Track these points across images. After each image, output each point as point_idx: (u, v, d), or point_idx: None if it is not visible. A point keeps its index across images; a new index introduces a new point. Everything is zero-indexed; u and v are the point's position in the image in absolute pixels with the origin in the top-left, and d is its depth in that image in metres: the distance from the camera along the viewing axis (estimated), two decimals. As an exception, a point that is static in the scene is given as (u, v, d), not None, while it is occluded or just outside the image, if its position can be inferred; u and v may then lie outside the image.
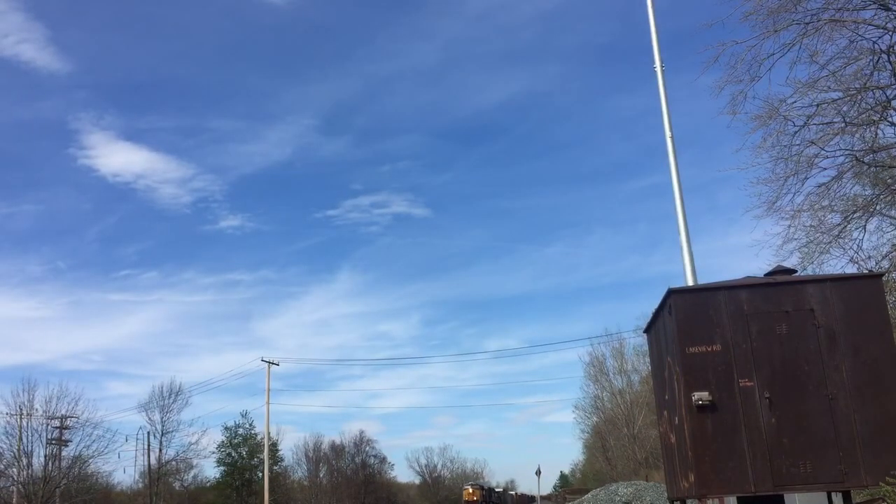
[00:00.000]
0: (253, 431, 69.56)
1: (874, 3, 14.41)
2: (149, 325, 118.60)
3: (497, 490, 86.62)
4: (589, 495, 37.17)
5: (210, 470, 73.96)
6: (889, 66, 14.60)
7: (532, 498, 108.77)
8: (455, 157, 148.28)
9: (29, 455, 43.86)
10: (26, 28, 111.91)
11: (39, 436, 44.59)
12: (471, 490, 72.19)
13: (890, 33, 14.36)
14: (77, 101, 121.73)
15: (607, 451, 70.45)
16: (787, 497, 9.38)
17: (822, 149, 15.61)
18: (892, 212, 16.86)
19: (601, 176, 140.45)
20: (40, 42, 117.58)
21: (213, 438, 73.41)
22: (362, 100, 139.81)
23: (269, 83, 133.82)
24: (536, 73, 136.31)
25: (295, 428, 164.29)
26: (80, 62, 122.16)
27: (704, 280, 13.97)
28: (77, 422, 46.17)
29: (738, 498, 9.11)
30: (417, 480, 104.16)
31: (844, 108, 15.20)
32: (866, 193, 16.68)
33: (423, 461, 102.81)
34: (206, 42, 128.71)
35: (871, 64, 14.69)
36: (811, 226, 16.86)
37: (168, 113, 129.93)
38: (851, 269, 16.23)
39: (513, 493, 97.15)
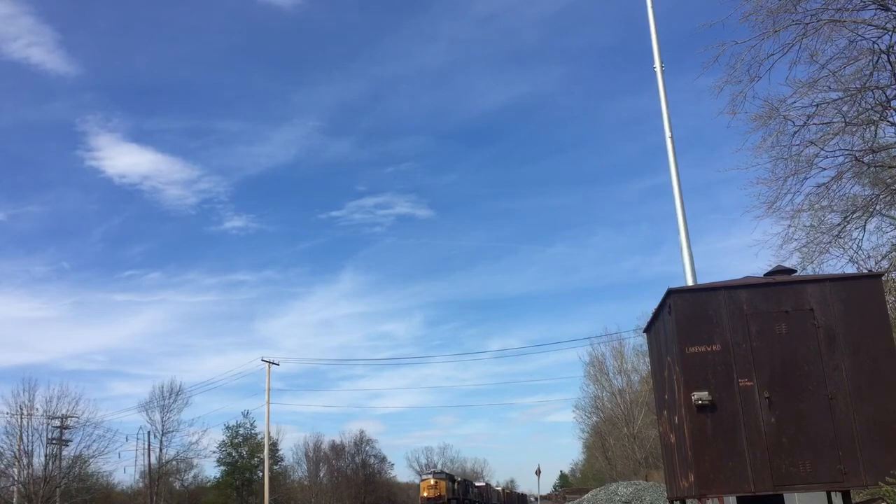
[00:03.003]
0: (253, 431, 69.69)
1: (874, 3, 14.41)
2: (152, 325, 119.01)
3: (477, 484, 73.93)
4: (589, 495, 37.10)
5: (210, 470, 74.17)
6: (889, 66, 14.59)
7: (523, 496, 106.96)
8: (459, 158, 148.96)
9: (29, 455, 43.98)
10: (36, 31, 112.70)
11: (40, 435, 44.71)
12: (432, 482, 54.33)
13: (889, 33, 14.36)
14: (85, 103, 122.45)
15: (607, 451, 70.37)
16: (787, 497, 9.39)
17: (822, 149, 15.62)
18: (892, 212, 16.88)
19: (604, 177, 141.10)
20: (50, 45, 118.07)
21: (214, 438, 73.64)
22: (367, 101, 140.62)
23: (275, 85, 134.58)
24: (540, 75, 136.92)
25: (297, 428, 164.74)
26: (88, 65, 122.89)
27: (705, 280, 13.99)
28: (77, 421, 46.31)
29: (738, 498, 9.11)
30: (417, 480, 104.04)
31: (844, 108, 15.22)
32: (866, 193, 16.69)
33: (423, 461, 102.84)
34: (213, 44, 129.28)
35: (871, 64, 14.69)
36: (811, 226, 16.89)
37: (175, 115, 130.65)
38: (851, 269, 16.25)
39: (500, 489, 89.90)
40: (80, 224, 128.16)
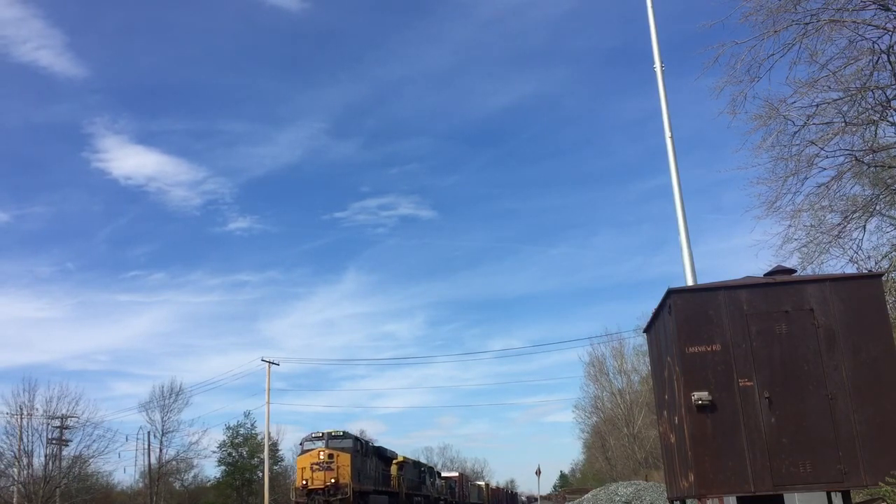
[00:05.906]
0: (254, 431, 69.55)
1: (874, 3, 14.41)
2: (155, 325, 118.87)
3: (446, 474, 55.64)
4: (589, 495, 37.13)
5: (211, 469, 74.21)
6: (889, 66, 14.59)
7: (514, 495, 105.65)
8: (463, 159, 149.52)
9: (29, 455, 44.03)
10: (45, 34, 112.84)
11: (40, 435, 44.76)
12: (322, 455, 29.04)
13: (890, 33, 14.36)
14: (92, 105, 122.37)
15: (607, 451, 70.49)
16: (787, 497, 9.38)
17: (822, 149, 15.62)
18: (892, 212, 16.87)
19: (607, 178, 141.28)
20: (58, 48, 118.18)
21: (215, 438, 73.62)
22: (372, 103, 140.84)
23: (280, 86, 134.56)
24: (544, 76, 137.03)
25: (299, 428, 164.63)
26: (95, 67, 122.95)
27: (705, 280, 13.99)
28: (77, 421, 46.34)
29: (738, 498, 9.11)
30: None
31: (844, 108, 15.21)
32: (866, 193, 16.69)
33: (422, 461, 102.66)
34: (219, 46, 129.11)
35: (871, 64, 14.69)
36: (811, 226, 16.88)
37: (180, 116, 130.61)
38: (851, 269, 16.24)
39: (483, 483, 78.99)
40: (84, 225, 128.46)
